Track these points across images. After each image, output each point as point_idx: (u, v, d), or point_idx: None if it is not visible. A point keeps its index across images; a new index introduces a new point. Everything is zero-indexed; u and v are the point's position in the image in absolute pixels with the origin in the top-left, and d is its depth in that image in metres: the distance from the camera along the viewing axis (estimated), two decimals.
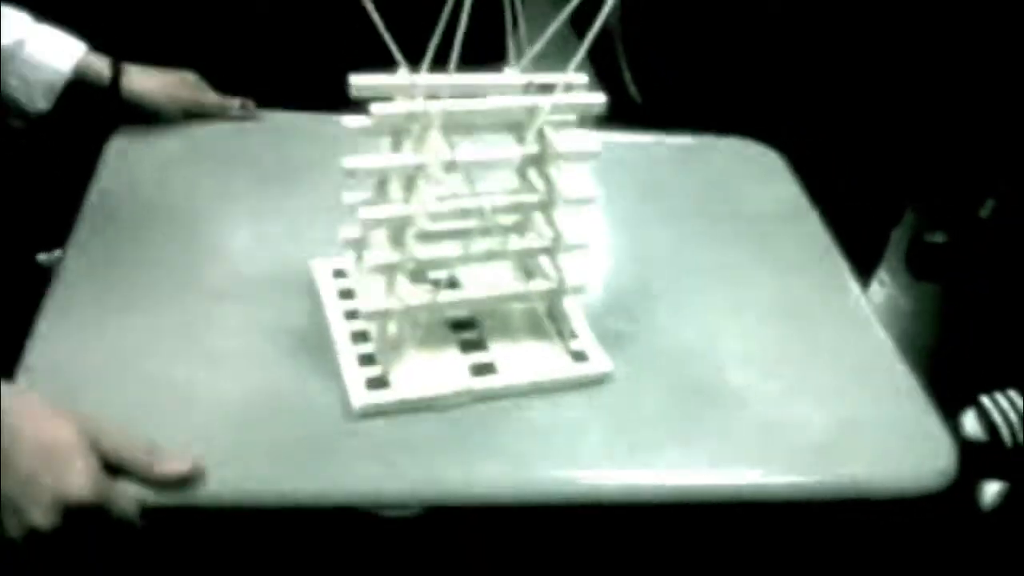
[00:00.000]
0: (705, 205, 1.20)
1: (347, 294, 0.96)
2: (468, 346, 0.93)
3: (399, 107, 0.85)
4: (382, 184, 0.89)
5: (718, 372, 0.95)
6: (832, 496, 0.88)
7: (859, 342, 1.01)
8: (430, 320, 0.91)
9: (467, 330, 0.94)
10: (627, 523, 1.13)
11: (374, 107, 0.84)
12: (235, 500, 0.80)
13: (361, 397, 0.86)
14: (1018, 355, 1.20)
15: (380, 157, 0.87)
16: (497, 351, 0.92)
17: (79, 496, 0.73)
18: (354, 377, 0.88)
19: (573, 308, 0.97)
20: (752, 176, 1.25)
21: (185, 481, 0.78)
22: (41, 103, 1.11)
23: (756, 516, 1.23)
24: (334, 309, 0.94)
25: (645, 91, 1.36)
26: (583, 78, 0.90)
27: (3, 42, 1.08)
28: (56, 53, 1.11)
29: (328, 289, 0.97)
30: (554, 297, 0.94)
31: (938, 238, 1.78)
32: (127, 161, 1.15)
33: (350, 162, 0.85)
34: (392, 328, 0.89)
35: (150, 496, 0.78)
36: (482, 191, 0.89)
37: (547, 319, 0.94)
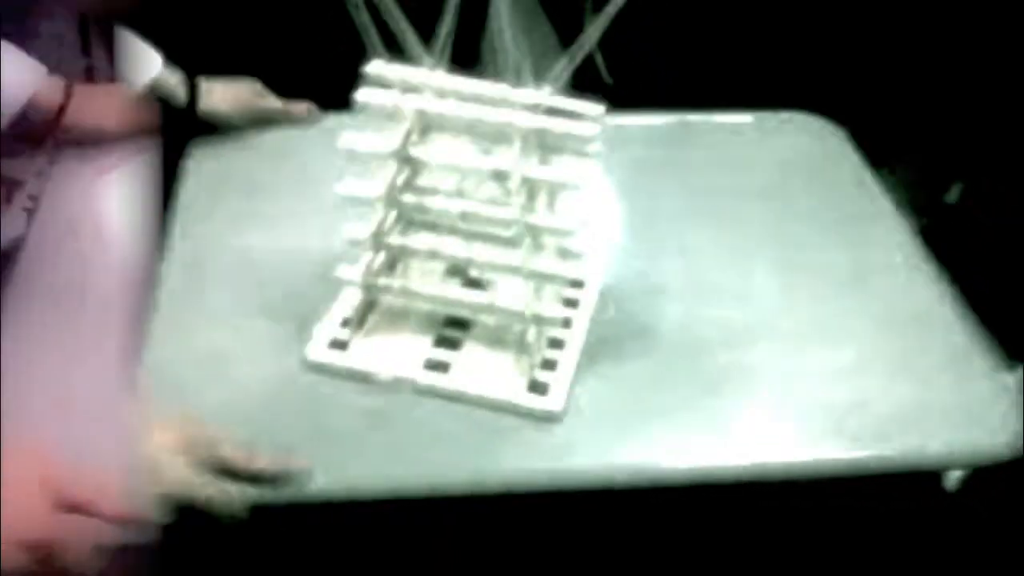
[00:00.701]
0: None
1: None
2: (442, 342, 0.94)
3: (389, 97, 0.88)
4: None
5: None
6: (902, 468, 0.88)
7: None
8: (427, 308, 0.95)
9: (455, 328, 0.96)
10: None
11: (361, 94, 0.88)
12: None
13: (316, 353, 0.93)
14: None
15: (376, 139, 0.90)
16: (466, 355, 0.93)
17: (33, 533, 0.73)
18: (322, 334, 0.94)
19: (571, 340, 0.95)
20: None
21: (283, 478, 0.83)
22: None
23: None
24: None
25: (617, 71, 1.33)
26: (599, 109, 0.86)
27: None
28: (11, 83, 1.05)
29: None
30: (539, 325, 0.92)
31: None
32: (211, 172, 1.20)
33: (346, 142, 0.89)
34: (371, 298, 0.94)
35: (255, 493, 0.82)
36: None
37: (531, 342, 0.92)
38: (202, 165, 1.22)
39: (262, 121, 1.26)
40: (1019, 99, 1.47)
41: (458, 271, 0.97)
